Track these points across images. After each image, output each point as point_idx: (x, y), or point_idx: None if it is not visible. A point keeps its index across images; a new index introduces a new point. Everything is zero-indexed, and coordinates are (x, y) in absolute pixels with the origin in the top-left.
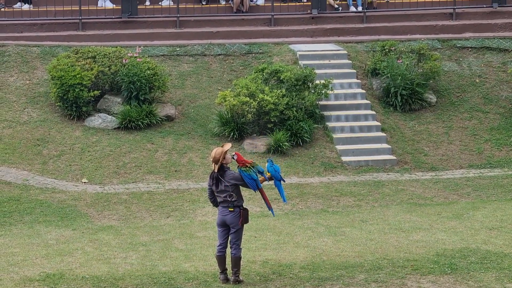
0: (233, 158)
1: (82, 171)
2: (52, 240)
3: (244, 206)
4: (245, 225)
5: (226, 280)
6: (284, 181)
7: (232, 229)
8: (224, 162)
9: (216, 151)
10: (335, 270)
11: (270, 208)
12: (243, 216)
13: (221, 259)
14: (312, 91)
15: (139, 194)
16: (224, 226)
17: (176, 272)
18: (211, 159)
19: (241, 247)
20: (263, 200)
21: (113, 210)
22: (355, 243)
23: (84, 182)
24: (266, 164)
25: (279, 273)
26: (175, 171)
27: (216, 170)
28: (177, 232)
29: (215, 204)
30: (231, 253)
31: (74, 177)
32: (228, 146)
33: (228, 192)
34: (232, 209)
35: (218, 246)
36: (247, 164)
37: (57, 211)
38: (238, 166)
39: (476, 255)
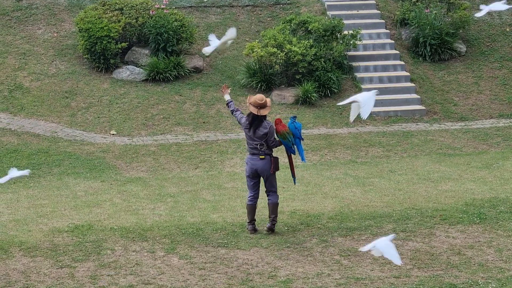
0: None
1: (110, 123)
2: (80, 192)
3: (274, 155)
4: (276, 173)
5: (254, 230)
6: (302, 139)
7: (264, 178)
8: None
9: (262, 96)
10: (363, 220)
11: (293, 176)
12: (274, 163)
13: (251, 208)
14: (340, 42)
15: (167, 146)
16: (255, 178)
17: (204, 222)
18: (260, 102)
19: (277, 193)
20: (289, 165)
21: (141, 161)
22: (383, 193)
23: (113, 134)
24: (289, 120)
25: (307, 223)
26: (203, 122)
27: (264, 114)
28: (205, 183)
29: None
30: (268, 200)
31: (103, 129)
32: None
33: (259, 141)
34: (263, 157)
35: (249, 196)
36: (283, 129)
37: (86, 163)
38: (276, 133)
39: (505, 204)
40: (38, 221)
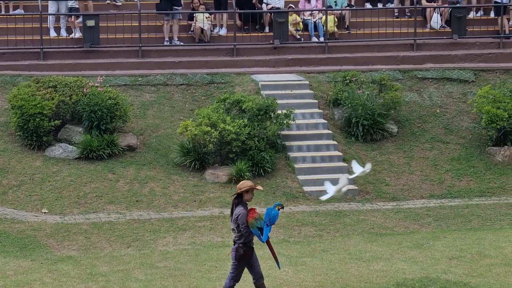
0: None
1: (42, 201)
2: (10, 271)
3: (248, 245)
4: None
5: None
6: (267, 225)
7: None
8: (245, 198)
9: (246, 181)
10: None
11: (276, 261)
12: (236, 251)
13: None
14: (274, 121)
15: (99, 224)
16: None
17: None
18: (238, 186)
19: (233, 280)
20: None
21: (73, 240)
22: (316, 273)
23: (44, 212)
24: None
25: None
26: (136, 201)
27: (233, 196)
28: (137, 262)
29: None
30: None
31: (34, 207)
32: (259, 187)
33: (232, 226)
34: (233, 243)
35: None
36: (252, 217)
37: (16, 241)
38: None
39: (436, 284)
40: None
